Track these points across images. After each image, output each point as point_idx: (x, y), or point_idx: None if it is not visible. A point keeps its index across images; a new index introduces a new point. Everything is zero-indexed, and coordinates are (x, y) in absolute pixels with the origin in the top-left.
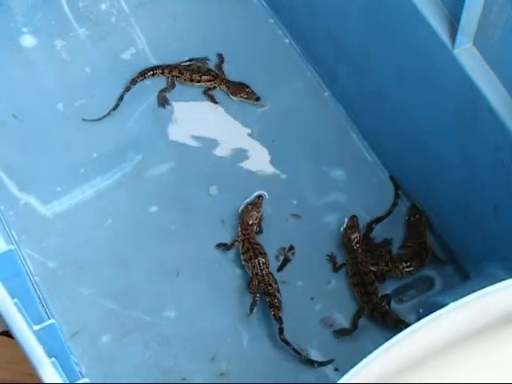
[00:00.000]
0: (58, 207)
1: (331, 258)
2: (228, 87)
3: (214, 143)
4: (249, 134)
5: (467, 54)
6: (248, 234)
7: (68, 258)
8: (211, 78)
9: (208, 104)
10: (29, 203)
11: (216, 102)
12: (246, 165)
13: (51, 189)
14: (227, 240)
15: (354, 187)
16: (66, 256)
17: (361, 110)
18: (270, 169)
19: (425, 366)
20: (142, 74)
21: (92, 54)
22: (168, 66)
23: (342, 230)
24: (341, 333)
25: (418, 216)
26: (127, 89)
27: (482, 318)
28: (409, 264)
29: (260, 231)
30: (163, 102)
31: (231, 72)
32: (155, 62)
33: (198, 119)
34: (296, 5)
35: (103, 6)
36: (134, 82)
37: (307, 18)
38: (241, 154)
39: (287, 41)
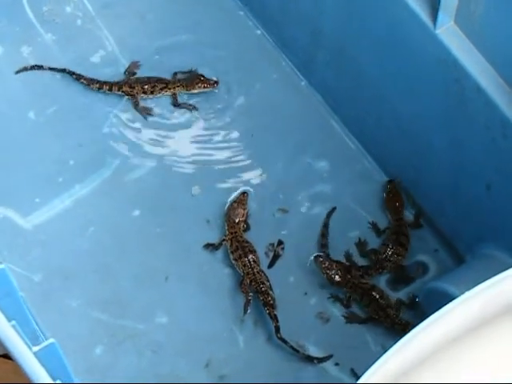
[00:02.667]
0: (38, 219)
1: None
2: (183, 85)
3: (191, 142)
4: (227, 130)
5: (450, 33)
6: (235, 232)
7: (53, 270)
8: (164, 86)
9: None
10: (7, 217)
11: (196, 109)
12: (227, 161)
13: (29, 200)
14: (214, 240)
15: (339, 177)
16: (51, 268)
17: (340, 98)
18: (252, 164)
19: (441, 357)
20: (90, 82)
21: (60, 58)
22: (117, 83)
23: (319, 269)
24: (351, 319)
25: (393, 192)
26: (69, 73)
27: (492, 307)
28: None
29: (247, 228)
30: (146, 112)
31: (204, 68)
32: (126, 63)
33: (172, 119)
34: None
35: (68, 9)
36: (79, 78)
37: (279, 7)
38: (221, 151)
39: (259, 32)
